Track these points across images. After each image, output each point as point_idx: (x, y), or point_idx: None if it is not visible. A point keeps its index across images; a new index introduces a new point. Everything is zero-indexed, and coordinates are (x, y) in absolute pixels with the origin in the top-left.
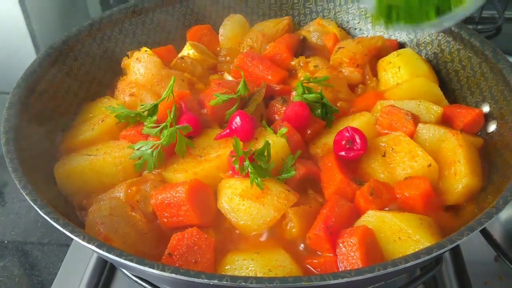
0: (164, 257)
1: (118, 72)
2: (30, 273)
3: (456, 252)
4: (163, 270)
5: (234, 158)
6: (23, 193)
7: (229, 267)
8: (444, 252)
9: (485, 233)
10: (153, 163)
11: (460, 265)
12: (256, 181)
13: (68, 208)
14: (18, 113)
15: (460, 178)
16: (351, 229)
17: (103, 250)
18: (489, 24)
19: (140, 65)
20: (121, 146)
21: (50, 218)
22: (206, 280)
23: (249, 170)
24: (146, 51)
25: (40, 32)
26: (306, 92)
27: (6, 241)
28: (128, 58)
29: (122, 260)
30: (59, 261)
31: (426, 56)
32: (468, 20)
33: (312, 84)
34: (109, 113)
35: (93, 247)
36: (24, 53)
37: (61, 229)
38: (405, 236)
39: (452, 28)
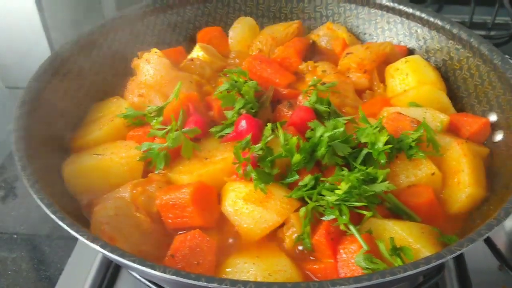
0: (166, 258)
1: (129, 72)
2: (38, 267)
3: (459, 260)
4: (164, 272)
5: (237, 165)
6: (31, 191)
7: (230, 269)
8: (443, 262)
9: (489, 242)
10: (160, 164)
11: (463, 273)
12: (260, 186)
13: (75, 206)
14: (29, 112)
15: (464, 187)
16: (352, 236)
17: (106, 250)
18: (502, 31)
19: (149, 66)
20: (128, 146)
21: (56, 217)
22: (206, 283)
23: (253, 176)
24: (156, 52)
25: (55, 30)
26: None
27: (15, 236)
28: (139, 58)
29: (124, 261)
30: (67, 256)
31: (435, 63)
32: (481, 26)
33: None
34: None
35: (97, 247)
36: (38, 50)
37: (66, 228)
38: (406, 244)
39: (462, 35)
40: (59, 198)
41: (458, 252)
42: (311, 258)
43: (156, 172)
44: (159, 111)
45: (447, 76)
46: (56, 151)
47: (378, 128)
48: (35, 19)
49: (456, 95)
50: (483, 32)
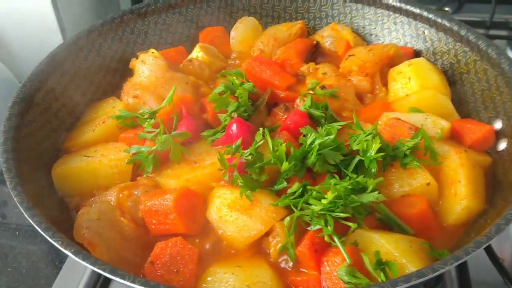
0: (146, 265)
1: (128, 73)
2: (36, 265)
3: (462, 270)
4: (133, 282)
5: (223, 171)
6: (12, 194)
7: (210, 279)
8: (425, 280)
9: (491, 254)
10: (148, 167)
11: (465, 283)
12: (246, 193)
13: (64, 208)
14: (22, 112)
15: (460, 199)
16: (337, 248)
17: (78, 258)
18: None
19: (145, 67)
20: (118, 148)
21: (34, 222)
22: None
23: (239, 183)
24: (152, 53)
25: (70, 27)
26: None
27: (17, 233)
28: (137, 59)
29: (96, 269)
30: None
31: (442, 66)
32: (502, 26)
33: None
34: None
35: (69, 253)
36: (53, 47)
37: (42, 233)
38: (392, 258)
39: (470, 37)
40: (46, 200)
41: (442, 271)
42: (301, 269)
43: (145, 175)
44: (152, 114)
45: (454, 80)
46: (50, 152)
47: (371, 135)
48: (50, 16)
49: (463, 100)
50: (504, 32)
